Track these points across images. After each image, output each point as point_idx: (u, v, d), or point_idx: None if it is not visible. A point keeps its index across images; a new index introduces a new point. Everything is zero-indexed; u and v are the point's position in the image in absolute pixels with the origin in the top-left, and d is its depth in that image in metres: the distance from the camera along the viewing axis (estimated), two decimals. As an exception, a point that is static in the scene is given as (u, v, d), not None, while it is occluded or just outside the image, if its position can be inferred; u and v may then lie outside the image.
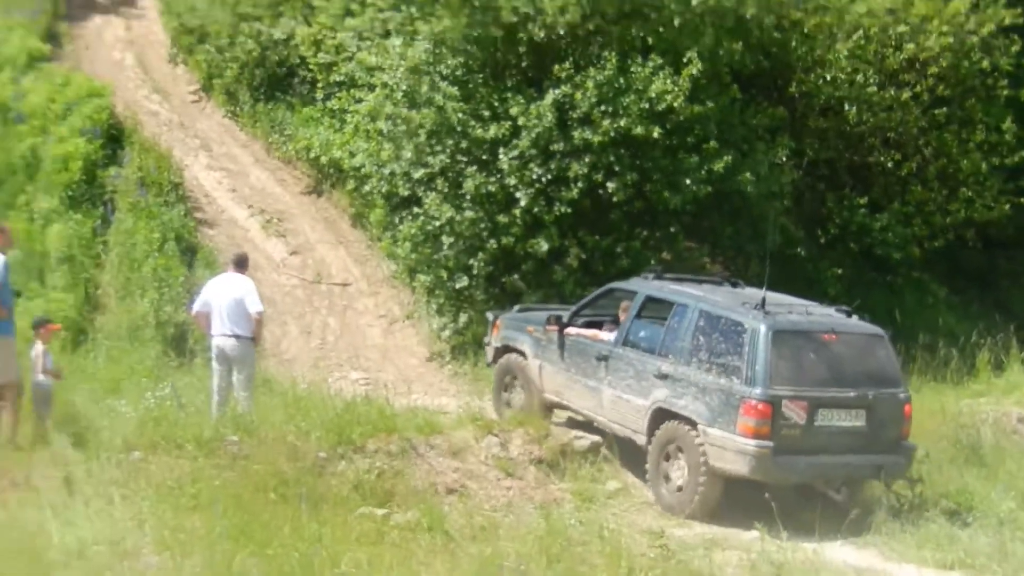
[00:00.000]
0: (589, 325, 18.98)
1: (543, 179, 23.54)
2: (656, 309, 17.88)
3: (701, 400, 16.21)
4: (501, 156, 23.62)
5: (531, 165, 23.50)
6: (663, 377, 16.75)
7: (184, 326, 23.89)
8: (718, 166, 23.63)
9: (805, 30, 27.40)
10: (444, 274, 24.55)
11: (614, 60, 23.62)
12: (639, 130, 23.22)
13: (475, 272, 24.12)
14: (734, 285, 18.90)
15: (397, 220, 25.94)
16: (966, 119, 28.38)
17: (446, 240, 24.16)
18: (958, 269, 30.22)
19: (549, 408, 19.18)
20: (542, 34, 24.29)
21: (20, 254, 24.87)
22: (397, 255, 26.28)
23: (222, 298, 17.77)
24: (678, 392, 16.52)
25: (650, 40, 24.51)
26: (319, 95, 30.22)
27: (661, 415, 16.72)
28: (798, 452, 15.89)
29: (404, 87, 24.69)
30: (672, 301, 17.44)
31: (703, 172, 23.65)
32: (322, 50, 29.87)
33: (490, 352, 20.51)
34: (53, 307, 23.37)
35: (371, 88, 25.96)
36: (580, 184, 23.49)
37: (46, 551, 11.97)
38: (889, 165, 28.16)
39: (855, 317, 17.44)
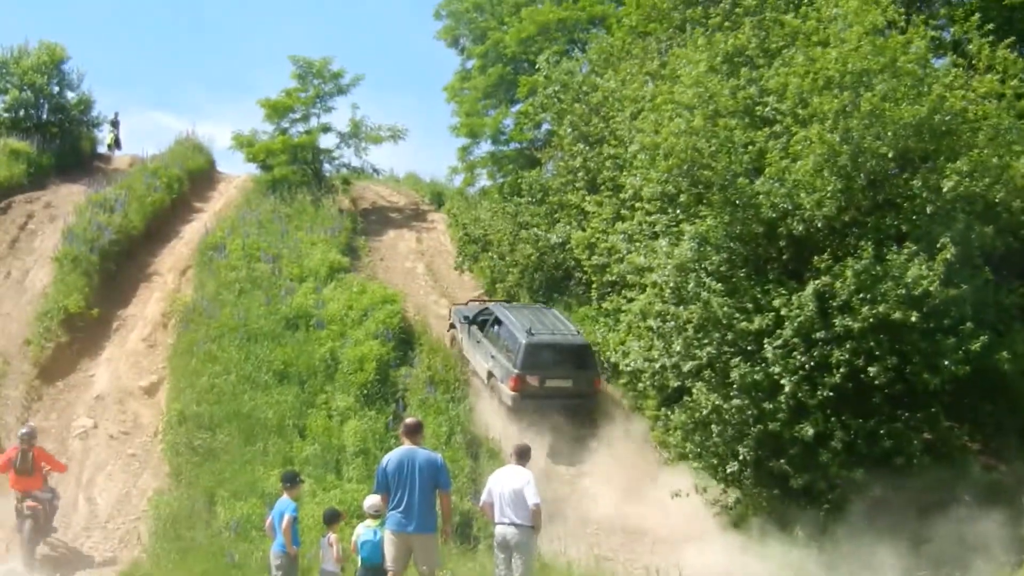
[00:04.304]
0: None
1: (806, 366, 21.66)
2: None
3: (501, 370, 27.49)
4: (766, 346, 21.91)
5: (794, 353, 21.70)
6: (492, 358, 28.13)
7: (469, 514, 22.57)
8: (975, 346, 21.48)
9: (1052, 211, 25.11)
10: (715, 461, 23.08)
11: (870, 249, 21.73)
12: (897, 315, 21.21)
13: (742, 458, 22.49)
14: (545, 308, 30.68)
15: (668, 411, 24.72)
16: None
17: (714, 428, 22.65)
18: None
19: (462, 357, 29.95)
20: (801, 228, 22.54)
21: (319, 448, 24.43)
22: (669, 444, 25.04)
23: (504, 488, 16.63)
24: (495, 366, 27.89)
25: (904, 228, 22.60)
26: (593, 295, 29.35)
27: (489, 373, 28.12)
28: (535, 397, 26.87)
29: (672, 285, 23.42)
30: (503, 319, 28.66)
31: (960, 353, 21.50)
32: (595, 253, 28.88)
33: (447, 324, 32.01)
34: (348, 498, 22.25)
35: (642, 288, 24.85)
36: (842, 369, 21.50)
37: None
38: None
39: (581, 334, 28.12)
